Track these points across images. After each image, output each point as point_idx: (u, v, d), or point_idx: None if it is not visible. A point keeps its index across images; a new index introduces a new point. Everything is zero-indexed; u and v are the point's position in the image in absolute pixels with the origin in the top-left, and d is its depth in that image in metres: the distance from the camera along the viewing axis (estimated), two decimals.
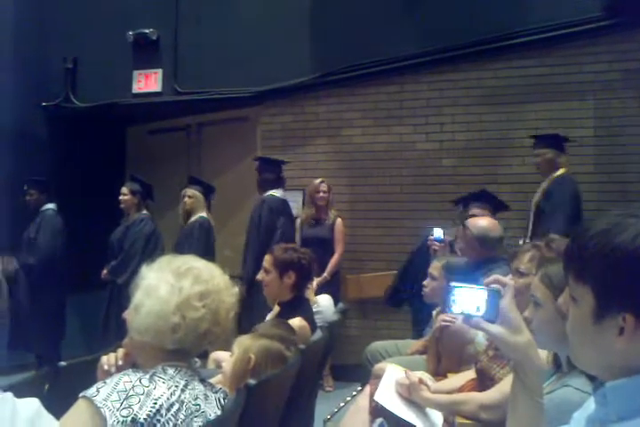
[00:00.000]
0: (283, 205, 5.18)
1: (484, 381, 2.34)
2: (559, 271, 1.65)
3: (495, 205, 4.41)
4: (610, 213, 0.97)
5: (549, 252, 2.35)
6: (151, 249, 5.29)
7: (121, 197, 5.42)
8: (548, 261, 1.86)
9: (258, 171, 5.22)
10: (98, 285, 5.39)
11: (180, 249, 4.92)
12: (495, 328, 1.18)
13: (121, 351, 1.72)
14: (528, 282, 2.01)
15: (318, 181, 5.27)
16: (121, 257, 5.31)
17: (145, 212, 5.48)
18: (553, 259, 1.86)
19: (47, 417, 1.11)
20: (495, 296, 1.20)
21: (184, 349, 1.58)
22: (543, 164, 4.52)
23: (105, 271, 5.35)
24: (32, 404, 1.08)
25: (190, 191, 5.36)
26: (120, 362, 1.70)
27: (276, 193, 5.17)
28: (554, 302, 1.61)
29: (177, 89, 6.09)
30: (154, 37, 6.12)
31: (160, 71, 6.18)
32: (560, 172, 4.47)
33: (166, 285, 1.56)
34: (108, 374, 1.64)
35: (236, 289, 1.70)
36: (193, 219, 5.34)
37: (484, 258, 3.46)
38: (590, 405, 1.05)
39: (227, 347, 2.17)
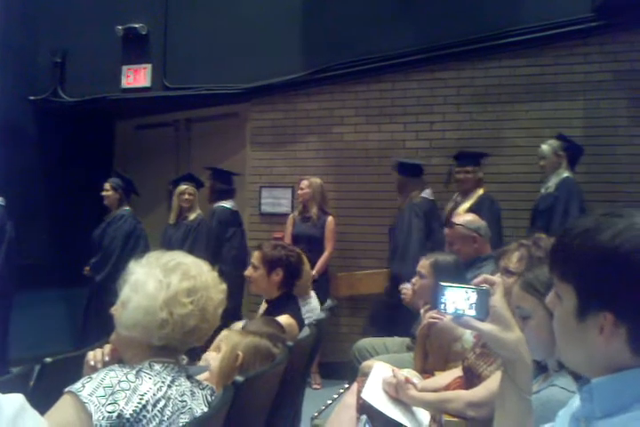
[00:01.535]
0: (232, 217, 5.28)
1: (470, 378, 2.34)
2: (538, 275, 1.64)
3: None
4: (595, 212, 0.98)
5: (537, 250, 2.35)
6: (131, 247, 5.26)
7: (103, 193, 5.40)
8: (526, 269, 1.85)
9: (211, 181, 5.29)
10: (85, 281, 5.36)
11: (176, 246, 4.91)
12: (485, 326, 1.18)
13: (107, 347, 1.71)
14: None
15: (304, 178, 5.27)
16: (100, 255, 5.29)
17: (126, 208, 5.45)
18: (531, 267, 1.85)
19: (32, 413, 1.10)
20: (485, 295, 1.20)
21: (171, 345, 1.57)
22: (471, 181, 4.67)
23: (87, 268, 5.33)
24: (16, 399, 1.07)
25: (191, 188, 5.37)
26: (106, 358, 1.69)
27: (227, 204, 5.27)
28: (543, 307, 1.60)
29: (166, 84, 6.06)
30: (143, 32, 6.08)
31: (149, 66, 6.15)
32: (482, 190, 4.67)
33: (154, 280, 1.55)
34: (95, 369, 1.63)
35: (224, 286, 1.69)
36: (193, 216, 5.36)
37: (479, 252, 3.63)
38: (574, 402, 1.06)
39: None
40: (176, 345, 1.58)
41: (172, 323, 1.53)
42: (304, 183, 5.22)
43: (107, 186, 5.41)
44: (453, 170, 4.79)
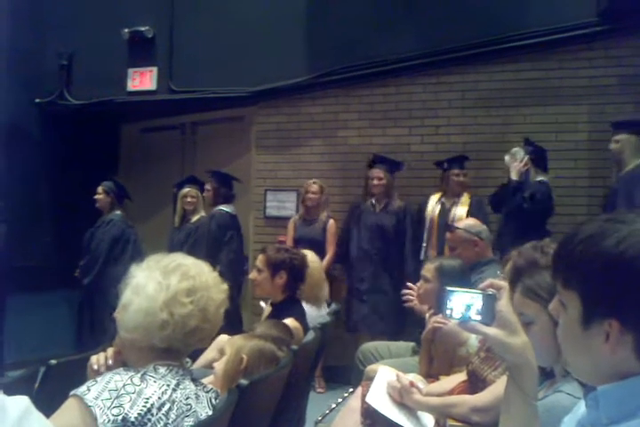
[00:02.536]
0: (231, 221, 5.26)
1: (475, 382, 2.34)
2: (539, 281, 1.62)
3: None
4: (598, 218, 0.96)
5: (519, 258, 2.32)
6: (119, 251, 5.30)
7: (96, 197, 5.44)
8: (523, 274, 1.83)
9: (215, 184, 5.28)
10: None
11: (178, 249, 4.91)
12: (491, 330, 1.18)
13: (111, 350, 1.71)
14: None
15: (310, 181, 5.27)
16: (87, 258, 5.33)
17: (118, 212, 5.49)
18: (527, 271, 1.83)
19: (37, 415, 1.10)
20: (491, 300, 1.20)
21: (174, 347, 1.57)
22: (464, 184, 4.86)
23: (78, 270, 5.37)
24: (22, 402, 1.07)
25: (194, 191, 5.39)
26: (110, 361, 1.69)
27: (226, 208, 5.25)
28: (546, 313, 1.58)
29: (172, 87, 6.07)
30: (149, 35, 6.10)
31: (155, 69, 6.16)
32: (469, 194, 4.84)
33: (154, 282, 1.56)
34: (98, 373, 1.63)
35: (226, 286, 1.69)
36: (195, 218, 5.38)
37: (481, 256, 3.64)
38: (580, 408, 1.05)
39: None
40: (179, 347, 1.58)
41: (172, 324, 1.53)
42: (314, 187, 5.23)
43: (99, 189, 5.47)
44: (450, 173, 4.84)
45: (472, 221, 3.93)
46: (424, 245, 4.86)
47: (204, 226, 5.29)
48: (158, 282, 1.56)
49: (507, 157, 4.60)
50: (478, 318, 1.19)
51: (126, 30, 6.08)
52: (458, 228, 3.83)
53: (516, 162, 4.46)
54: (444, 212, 4.81)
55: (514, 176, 4.44)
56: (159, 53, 6.15)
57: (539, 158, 4.54)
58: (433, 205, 4.89)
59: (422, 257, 4.79)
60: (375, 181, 4.99)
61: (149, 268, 1.61)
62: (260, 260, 3.04)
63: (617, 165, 4.21)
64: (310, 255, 3.38)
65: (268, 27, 5.71)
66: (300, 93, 5.69)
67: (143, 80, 6.16)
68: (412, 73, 5.36)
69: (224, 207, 5.25)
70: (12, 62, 6.02)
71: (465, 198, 4.80)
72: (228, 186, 5.32)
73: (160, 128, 6.73)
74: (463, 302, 1.21)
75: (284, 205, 5.65)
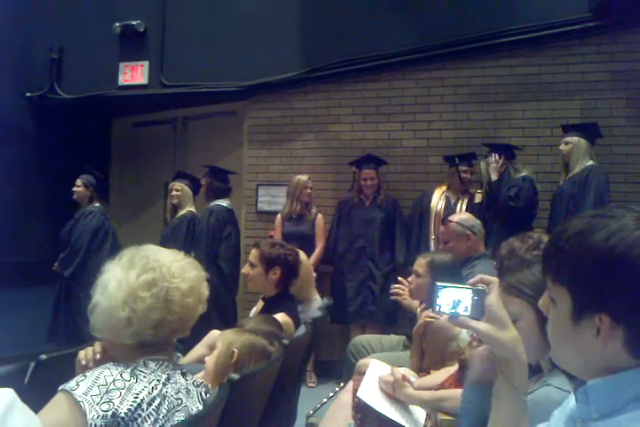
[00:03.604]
0: (229, 215, 5.24)
1: (464, 370, 2.34)
2: (521, 278, 1.62)
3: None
4: (587, 213, 0.97)
5: (502, 249, 2.31)
6: (99, 243, 5.30)
7: (74, 189, 5.42)
8: (504, 262, 1.82)
9: (209, 179, 5.25)
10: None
11: (166, 243, 4.90)
12: (481, 325, 1.18)
13: (98, 345, 1.70)
14: None
15: (306, 177, 5.26)
16: (68, 250, 5.32)
17: (97, 204, 5.48)
18: (506, 258, 1.83)
19: (22, 408, 1.09)
20: (480, 295, 1.20)
21: (148, 341, 1.55)
22: (473, 179, 4.88)
23: (56, 264, 5.35)
24: (6, 394, 1.06)
25: (178, 185, 5.32)
26: (97, 356, 1.68)
27: (223, 203, 5.22)
28: (531, 309, 1.58)
29: (163, 82, 6.04)
30: (141, 29, 6.07)
31: (146, 64, 6.13)
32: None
33: (114, 280, 1.56)
34: (87, 368, 1.62)
35: (195, 273, 1.64)
36: (181, 213, 5.30)
37: (473, 251, 3.65)
38: (569, 402, 1.05)
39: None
40: (156, 340, 1.56)
41: (136, 319, 1.52)
42: (310, 183, 5.25)
43: (78, 182, 5.45)
44: (458, 169, 4.84)
45: (466, 216, 3.94)
46: (432, 237, 4.89)
47: (191, 221, 5.25)
48: (118, 279, 1.55)
49: (482, 164, 4.70)
50: (468, 312, 1.20)
51: (117, 24, 6.04)
52: (451, 221, 3.84)
53: (492, 163, 4.56)
54: (449, 206, 4.85)
55: (494, 177, 4.53)
56: (150, 48, 6.12)
57: (508, 153, 4.59)
58: (437, 198, 4.91)
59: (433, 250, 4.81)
60: (369, 182, 5.08)
61: (114, 264, 1.60)
62: (253, 255, 3.02)
63: (564, 167, 4.43)
64: (300, 254, 3.36)
65: (260, 21, 5.69)
66: (293, 88, 5.67)
67: (134, 74, 6.12)
68: (404, 68, 5.35)
69: (221, 202, 5.22)
70: (3, 56, 5.97)
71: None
72: (222, 180, 5.29)
73: (151, 123, 6.70)
74: (453, 297, 1.21)
75: (275, 199, 5.64)
